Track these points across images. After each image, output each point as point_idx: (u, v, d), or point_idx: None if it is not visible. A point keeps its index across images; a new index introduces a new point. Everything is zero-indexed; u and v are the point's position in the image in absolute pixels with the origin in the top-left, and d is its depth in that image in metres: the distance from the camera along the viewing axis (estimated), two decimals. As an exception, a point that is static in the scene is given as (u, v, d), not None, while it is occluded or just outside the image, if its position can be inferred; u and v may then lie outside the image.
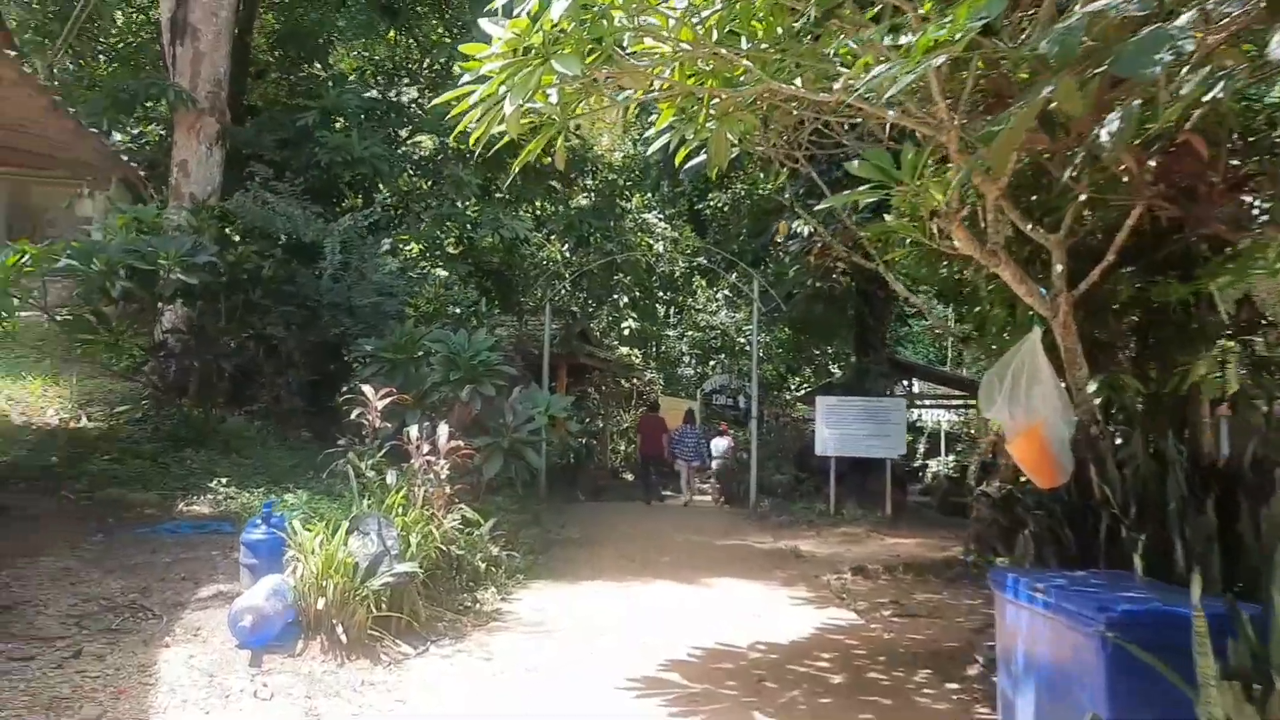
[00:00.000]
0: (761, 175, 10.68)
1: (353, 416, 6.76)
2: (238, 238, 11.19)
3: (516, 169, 5.00)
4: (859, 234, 7.67)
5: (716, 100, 5.48)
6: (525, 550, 8.48)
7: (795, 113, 6.57)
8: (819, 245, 8.56)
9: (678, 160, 6.33)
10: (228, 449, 9.48)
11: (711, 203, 18.62)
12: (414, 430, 6.62)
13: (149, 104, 12.02)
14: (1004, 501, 8.57)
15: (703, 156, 6.79)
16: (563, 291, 20.99)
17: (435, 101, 4.45)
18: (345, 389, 9.36)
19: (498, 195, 15.09)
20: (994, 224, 4.28)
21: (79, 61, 12.59)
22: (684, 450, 17.52)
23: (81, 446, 8.97)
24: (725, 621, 6.68)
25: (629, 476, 20.22)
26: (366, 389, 6.82)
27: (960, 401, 26.12)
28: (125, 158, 13.22)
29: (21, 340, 11.43)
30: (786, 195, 9.50)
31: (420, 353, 9.80)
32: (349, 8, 15.23)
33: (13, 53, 5.29)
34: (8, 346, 11.53)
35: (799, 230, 10.89)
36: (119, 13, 13.44)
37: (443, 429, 7.02)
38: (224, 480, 8.34)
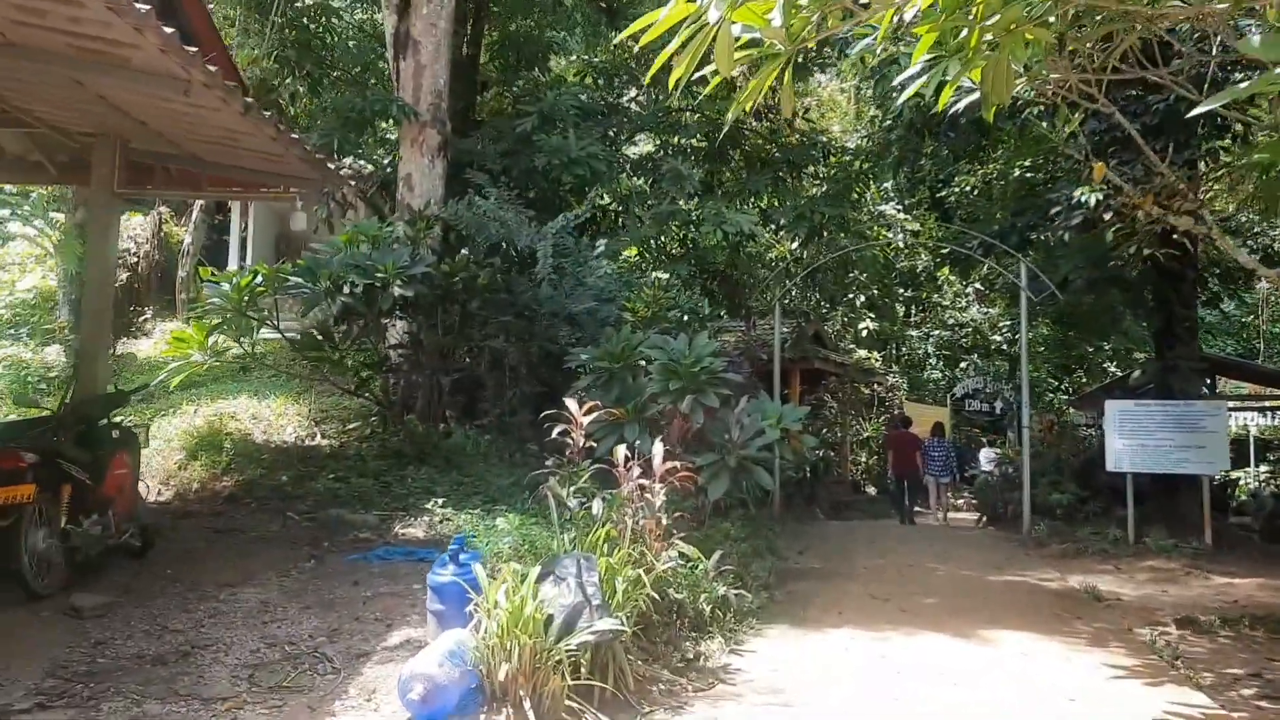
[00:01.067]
0: (1044, 125, 8.82)
1: (554, 435, 5.95)
2: (461, 249, 11.01)
3: (734, 113, 3.87)
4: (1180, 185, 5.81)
5: (995, 17, 4.08)
6: (757, 586, 7.30)
7: (1104, 22, 4.97)
8: (1120, 207, 6.70)
9: (940, 104, 4.93)
10: (449, 465, 9.16)
11: (958, 187, 16.51)
12: (622, 450, 5.68)
13: (378, 123, 12.21)
14: None
15: (973, 97, 5.32)
16: (793, 291, 19.66)
17: (623, 35, 3.41)
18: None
19: (721, 191, 14.11)
20: None
21: (315, 90, 13.15)
22: (933, 465, 15.62)
23: (312, 465, 8.97)
24: (1024, 702, 5.13)
25: (871, 490, 18.46)
26: (570, 403, 5.99)
27: (1278, 403, 21.81)
28: (350, 176, 13.59)
29: (274, 361, 11.98)
30: (1076, 147, 7.63)
31: (639, 361, 8.99)
32: (569, 11, 14.92)
33: (192, 49, 4.94)
34: (262, 367, 12.12)
35: (1084, 199, 8.89)
36: (350, 39, 13.97)
37: (658, 447, 6.05)
38: (440, 501, 7.92)
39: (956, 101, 6.48)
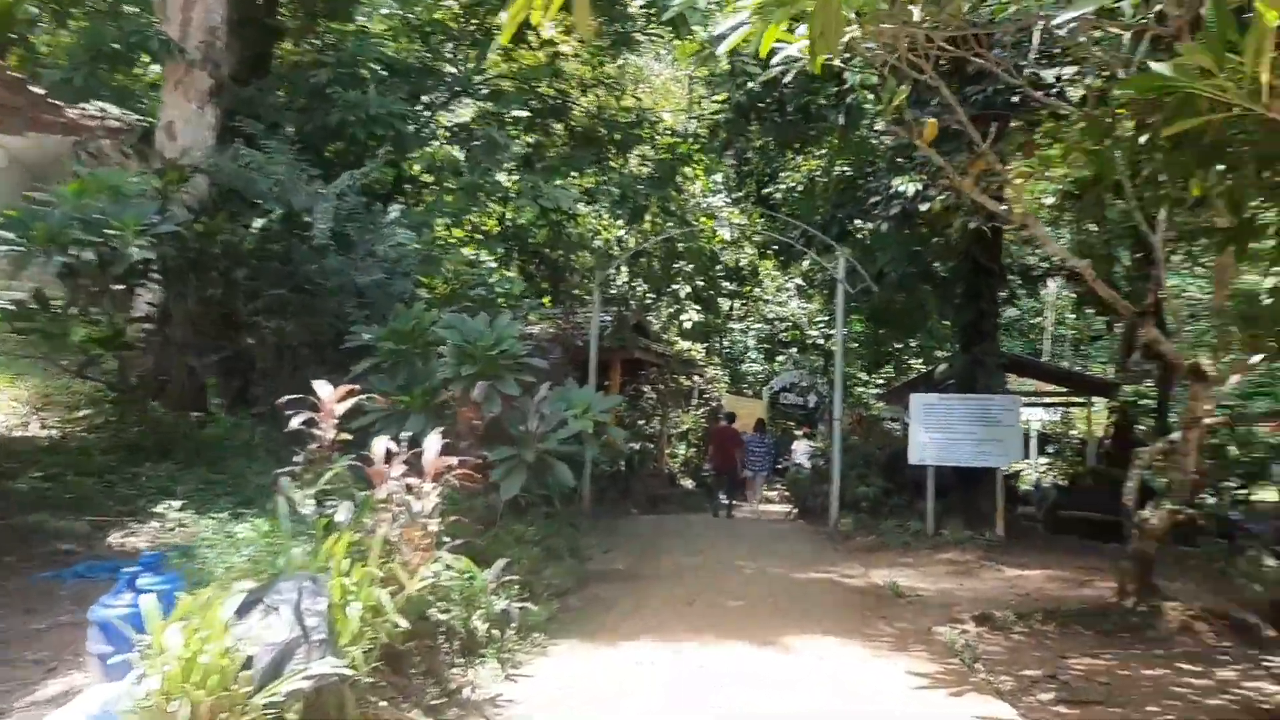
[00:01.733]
0: (871, 96, 8.60)
1: (294, 424, 4.93)
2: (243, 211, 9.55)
3: (513, 18, 3.07)
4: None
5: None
6: (549, 595, 6.58)
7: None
8: (938, 200, 6.47)
9: (762, 50, 4.35)
10: (199, 461, 7.83)
11: (783, 184, 16.48)
12: (381, 444, 4.76)
13: (141, 61, 10.49)
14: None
15: (800, 44, 4.77)
16: (617, 279, 19.13)
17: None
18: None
19: (541, 165, 13.25)
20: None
21: (63, 19, 11.10)
22: (753, 460, 15.55)
23: (20, 460, 7.39)
24: (823, 721, 4.68)
25: (688, 484, 18.24)
26: (321, 386, 5.00)
27: (1062, 399, 23.46)
28: (118, 129, 11.70)
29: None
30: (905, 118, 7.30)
31: (431, 342, 8.03)
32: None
33: None
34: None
35: (902, 189, 8.73)
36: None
37: (432, 440, 5.18)
38: (176, 504, 6.62)
39: (783, 71, 6.03)
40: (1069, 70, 9.20)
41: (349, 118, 10.72)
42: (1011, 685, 5.50)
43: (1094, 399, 20.44)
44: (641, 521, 12.88)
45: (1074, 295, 23.03)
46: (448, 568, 4.84)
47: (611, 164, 14.23)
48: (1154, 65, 2.80)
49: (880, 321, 19.77)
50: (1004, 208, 5.72)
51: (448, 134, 13.19)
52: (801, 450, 17.63)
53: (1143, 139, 3.67)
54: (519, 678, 5.02)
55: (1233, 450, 9.56)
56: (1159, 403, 13.01)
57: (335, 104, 10.93)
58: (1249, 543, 9.16)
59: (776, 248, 16.20)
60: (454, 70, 14.28)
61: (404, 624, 4.02)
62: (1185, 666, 6.08)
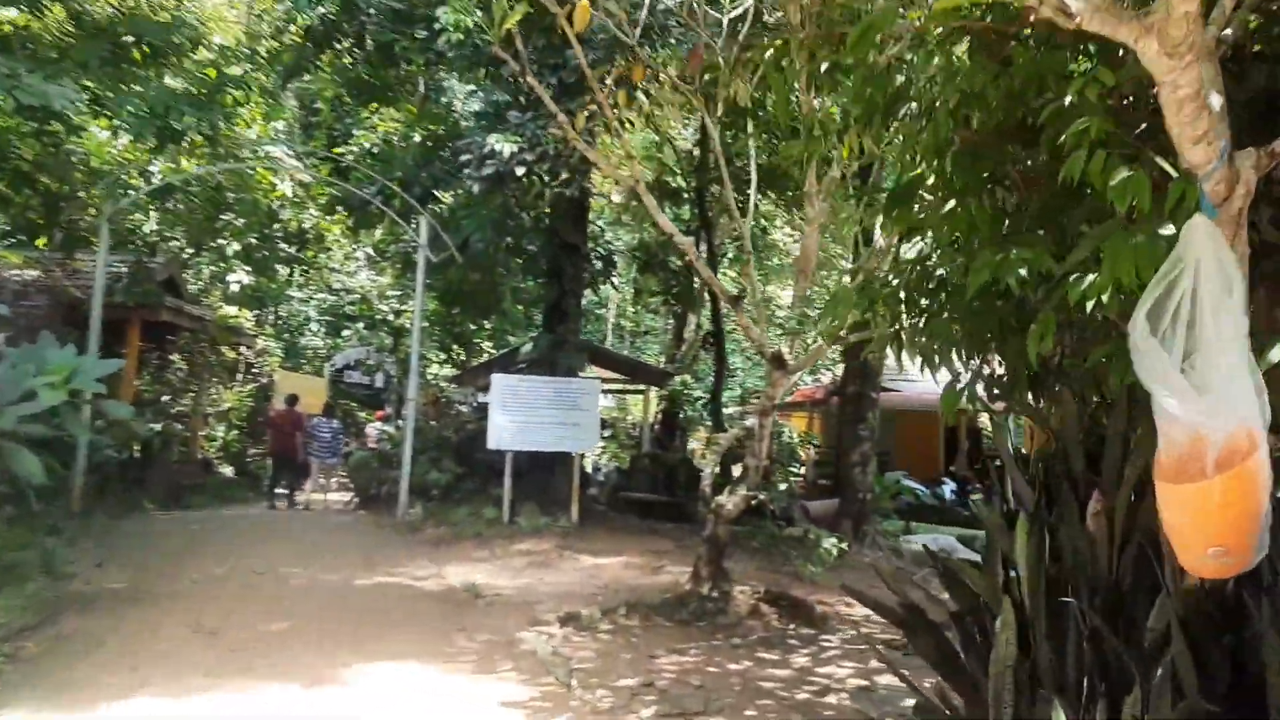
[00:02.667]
0: (471, 23, 7.46)
1: None
2: None
3: None
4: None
5: None
6: (-13, 645, 4.46)
7: None
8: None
9: None
10: None
11: (356, 145, 14.66)
12: None
13: None
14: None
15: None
16: (145, 224, 15.67)
17: None
18: None
19: (31, 53, 9.91)
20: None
21: None
22: (320, 446, 13.68)
23: None
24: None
25: (228, 471, 15.62)
26: None
27: (622, 386, 24.80)
28: None
29: None
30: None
31: None
32: None
33: None
34: None
35: (498, 149, 7.80)
36: None
37: None
38: None
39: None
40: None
41: None
42: (611, 702, 4.87)
43: (649, 387, 21.77)
44: (160, 521, 10.31)
45: (634, 289, 24.54)
46: None
47: (133, 72, 11.20)
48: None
49: (453, 301, 18.91)
50: (623, 173, 5.05)
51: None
52: (376, 434, 16.14)
53: (824, 67, 3.17)
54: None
55: (793, 439, 10.36)
56: (714, 391, 13.91)
57: None
58: (805, 524, 9.91)
59: (347, 208, 14.37)
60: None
61: None
62: (764, 656, 6.03)
